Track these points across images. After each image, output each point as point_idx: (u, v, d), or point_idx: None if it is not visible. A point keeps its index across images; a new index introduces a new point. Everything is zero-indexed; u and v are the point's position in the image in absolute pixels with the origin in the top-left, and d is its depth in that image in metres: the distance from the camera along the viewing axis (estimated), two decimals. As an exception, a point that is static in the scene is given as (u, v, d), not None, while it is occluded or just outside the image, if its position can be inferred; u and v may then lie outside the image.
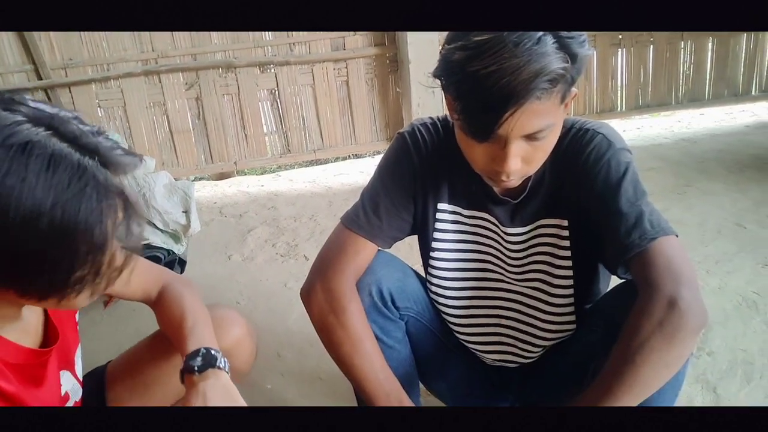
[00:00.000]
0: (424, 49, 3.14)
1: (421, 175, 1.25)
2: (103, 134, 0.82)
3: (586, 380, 1.17)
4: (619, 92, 3.84)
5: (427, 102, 3.20)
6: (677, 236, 1.09)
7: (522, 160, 1.05)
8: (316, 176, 3.54)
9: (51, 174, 0.76)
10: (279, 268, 2.64)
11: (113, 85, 3.18)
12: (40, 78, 3.07)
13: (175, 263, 2.50)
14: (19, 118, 0.77)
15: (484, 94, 0.96)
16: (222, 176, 3.70)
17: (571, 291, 1.24)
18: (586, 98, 3.76)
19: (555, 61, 0.96)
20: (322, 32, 3.29)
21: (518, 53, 0.93)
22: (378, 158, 3.61)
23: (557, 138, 1.09)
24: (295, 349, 2.09)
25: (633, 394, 1.01)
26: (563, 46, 0.97)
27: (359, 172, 3.56)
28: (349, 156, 3.72)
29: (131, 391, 1.29)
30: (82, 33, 3.09)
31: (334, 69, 3.34)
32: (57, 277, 0.81)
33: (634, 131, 3.81)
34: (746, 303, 2.10)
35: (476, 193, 1.24)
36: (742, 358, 1.73)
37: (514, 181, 1.09)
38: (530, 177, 1.19)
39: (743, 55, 3.83)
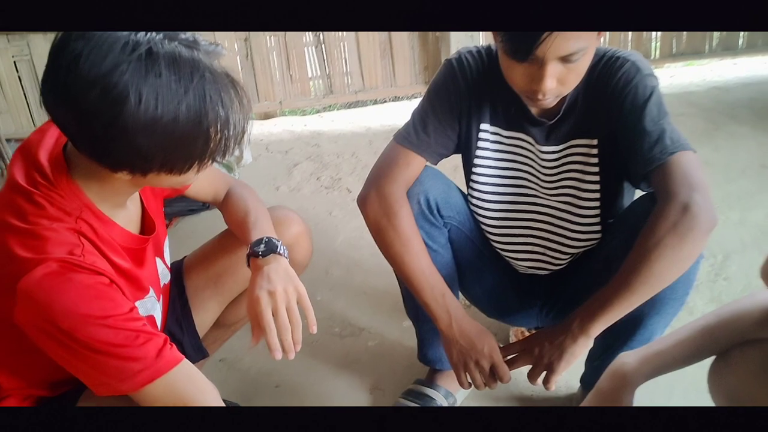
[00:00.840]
0: (464, -6, 3.25)
1: (465, 98, 1.42)
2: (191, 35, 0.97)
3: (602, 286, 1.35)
4: (653, 40, 3.90)
5: (467, 45, 3.31)
6: (695, 152, 1.24)
7: (557, 81, 1.21)
8: (356, 117, 3.71)
9: (177, 70, 0.91)
10: (324, 198, 2.83)
11: None
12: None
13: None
14: (135, 33, 0.91)
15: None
16: (267, 116, 3.88)
17: (597, 204, 1.41)
18: (621, 45, 3.83)
19: None
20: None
21: None
22: (417, 101, 3.75)
23: (589, 62, 1.25)
24: (342, 267, 2.30)
25: (648, 286, 1.18)
26: None
27: (398, 114, 3.71)
28: (388, 99, 3.86)
29: (206, 279, 1.48)
30: None
31: (376, 12, 3.48)
32: (192, 152, 0.98)
33: (667, 79, 3.88)
34: (764, 235, 2.25)
35: (515, 114, 1.40)
36: (756, 284, 1.88)
37: (550, 100, 1.25)
38: (564, 99, 1.35)
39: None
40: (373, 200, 1.40)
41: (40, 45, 3.26)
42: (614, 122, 1.30)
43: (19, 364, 1.14)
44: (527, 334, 1.79)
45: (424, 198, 1.42)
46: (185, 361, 1.06)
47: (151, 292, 1.19)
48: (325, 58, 3.51)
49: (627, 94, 1.28)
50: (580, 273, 1.52)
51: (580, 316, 1.28)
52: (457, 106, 1.41)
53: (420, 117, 1.43)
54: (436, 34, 3.51)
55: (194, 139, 0.96)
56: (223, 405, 1.10)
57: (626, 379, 1.03)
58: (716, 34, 3.82)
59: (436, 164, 1.47)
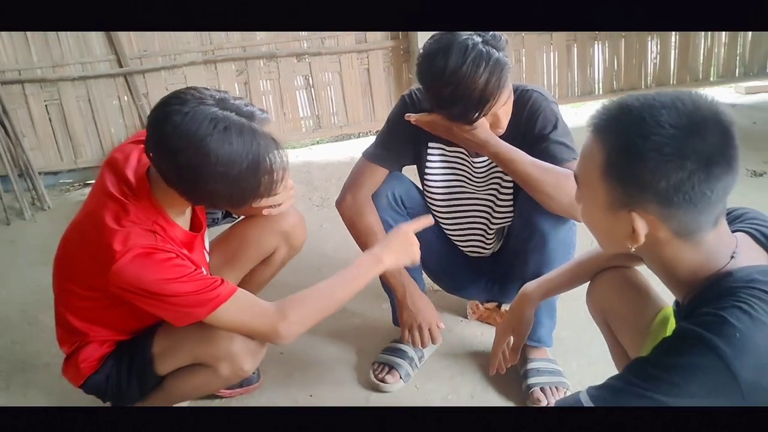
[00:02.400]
0: (431, 42, 3.79)
1: (413, 131, 1.82)
2: (242, 101, 1.41)
3: (526, 261, 1.81)
4: (596, 78, 4.46)
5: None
6: None
7: (493, 126, 1.68)
8: (342, 148, 4.20)
9: (241, 138, 1.33)
10: (315, 214, 3.26)
11: (179, 72, 3.83)
12: (120, 66, 3.71)
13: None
14: (213, 108, 1.32)
15: (461, 107, 1.57)
16: (263, 149, 4.32)
17: (511, 196, 1.87)
18: (569, 84, 4.38)
19: (504, 69, 1.54)
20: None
21: (477, 77, 1.51)
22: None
23: (512, 98, 1.69)
24: (332, 266, 2.68)
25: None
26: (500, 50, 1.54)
27: (378, 144, 4.21)
28: (369, 132, 4.36)
29: (224, 258, 1.90)
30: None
31: (357, 59, 4.02)
32: (248, 194, 1.42)
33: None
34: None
35: None
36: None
37: None
38: None
39: (702, 45, 4.42)
40: (346, 202, 1.90)
41: (68, 91, 3.70)
42: (528, 138, 1.75)
43: (107, 316, 1.58)
44: (481, 306, 2.24)
45: (391, 193, 1.90)
46: (241, 289, 1.49)
47: (203, 269, 1.57)
48: (314, 96, 4.03)
49: (538, 117, 1.73)
50: (507, 252, 2.01)
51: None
52: (410, 131, 1.83)
53: (381, 138, 1.92)
54: (410, 75, 4.05)
55: (251, 186, 1.40)
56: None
57: (527, 297, 1.48)
58: (650, 71, 4.38)
59: (399, 170, 1.94)
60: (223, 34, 3.81)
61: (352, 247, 2.91)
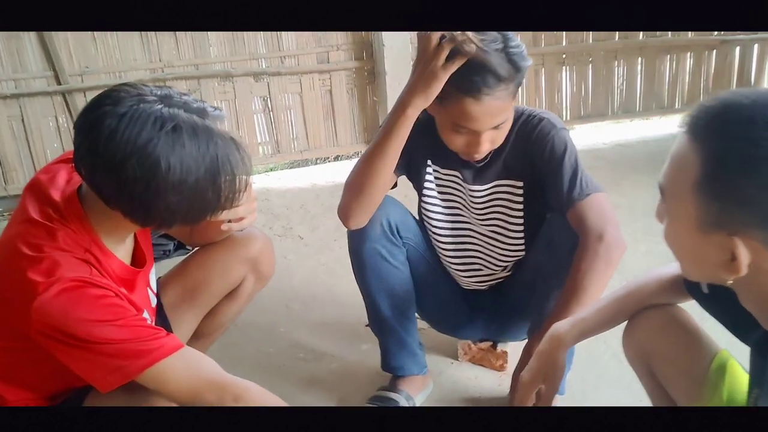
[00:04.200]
0: (399, 62, 3.63)
1: (414, 140, 1.61)
2: (190, 96, 1.17)
3: (535, 296, 1.63)
4: (564, 104, 4.38)
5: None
6: (605, 192, 1.54)
7: (489, 143, 1.50)
8: (301, 175, 3.97)
9: (197, 139, 1.10)
10: (278, 244, 3.02)
11: None
12: (59, 83, 3.42)
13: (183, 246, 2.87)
14: (157, 106, 1.09)
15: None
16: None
17: (522, 231, 1.69)
18: (537, 107, 4.28)
19: (506, 72, 1.40)
20: (309, 48, 3.73)
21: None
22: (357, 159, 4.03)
23: (511, 121, 1.53)
24: (301, 302, 2.51)
25: (582, 304, 1.44)
26: (510, 60, 1.41)
27: (341, 171, 4.01)
28: (331, 158, 4.15)
29: (181, 294, 1.64)
30: (97, 43, 3.45)
31: (319, 80, 3.80)
32: (208, 205, 1.17)
33: (578, 138, 4.34)
34: (668, 261, 2.61)
35: (451, 155, 1.64)
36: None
37: (482, 156, 1.54)
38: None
39: (667, 73, 4.40)
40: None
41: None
42: (536, 167, 1.58)
43: (25, 375, 1.27)
44: (474, 347, 2.04)
45: (386, 220, 1.66)
46: (190, 347, 1.22)
47: (146, 313, 1.34)
48: (272, 119, 3.78)
49: (546, 144, 1.55)
50: (513, 286, 1.80)
51: (531, 344, 1.54)
52: (407, 147, 1.61)
53: None
54: (374, 98, 3.86)
55: (210, 195, 1.15)
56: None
57: (560, 340, 1.29)
58: (617, 97, 4.34)
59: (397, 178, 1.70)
60: (173, 50, 3.55)
61: (321, 281, 2.75)
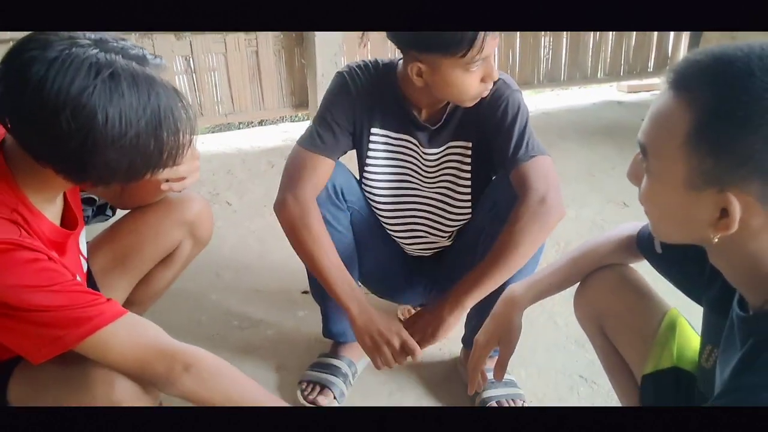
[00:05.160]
0: (329, 24, 3.52)
1: (358, 104, 1.58)
2: (128, 41, 1.05)
3: (476, 260, 1.61)
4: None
5: (331, 72, 3.51)
6: (550, 156, 1.53)
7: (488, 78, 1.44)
8: (227, 139, 3.82)
9: (137, 89, 1.00)
10: (206, 211, 2.93)
11: None
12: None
13: (107, 206, 2.72)
14: (92, 51, 0.97)
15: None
16: (134, 138, 3.85)
17: (469, 193, 1.66)
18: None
19: None
20: (234, 6, 3.56)
21: None
22: (284, 125, 3.93)
23: None
24: (232, 270, 2.43)
25: (512, 265, 1.43)
26: None
27: (268, 136, 3.89)
28: (258, 122, 4.01)
29: (112, 260, 1.54)
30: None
31: (245, 40, 3.61)
32: (150, 161, 1.06)
33: (503, 107, 4.40)
34: (595, 226, 2.68)
35: (404, 120, 1.60)
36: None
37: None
38: (446, 109, 1.57)
39: (591, 44, 4.48)
40: (288, 204, 1.52)
41: None
42: (487, 128, 1.55)
43: None
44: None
45: (331, 184, 1.60)
46: (132, 314, 1.14)
47: (77, 278, 1.23)
48: (195, 80, 3.59)
49: (499, 105, 1.52)
50: (455, 251, 1.78)
51: (455, 291, 1.50)
52: (351, 111, 1.58)
53: (320, 123, 1.58)
54: (303, 60, 3.74)
55: (152, 150, 1.05)
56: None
57: (515, 302, 1.28)
58: (543, 67, 4.39)
59: (336, 160, 1.63)
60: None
61: (252, 248, 2.66)
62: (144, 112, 1.00)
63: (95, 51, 0.97)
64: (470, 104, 1.50)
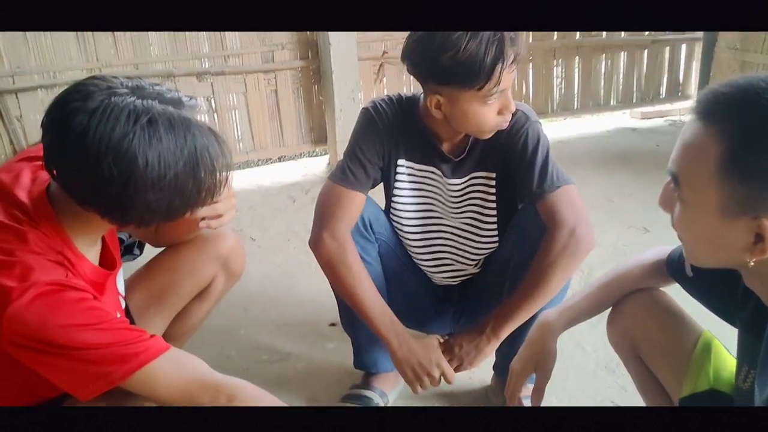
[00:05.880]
0: (345, 61, 3.60)
1: (385, 137, 1.62)
2: (163, 86, 1.10)
3: (505, 289, 1.64)
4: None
5: (349, 107, 3.64)
6: (575, 185, 1.56)
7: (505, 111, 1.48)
8: (247, 176, 3.88)
9: (174, 132, 1.04)
10: (231, 247, 2.97)
11: (59, 91, 3.28)
12: (-13, 84, 3.22)
13: (134, 246, 2.76)
14: (129, 99, 1.02)
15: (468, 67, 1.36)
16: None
17: (495, 222, 1.69)
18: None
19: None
20: (254, 47, 3.65)
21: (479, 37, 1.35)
22: (303, 160, 3.98)
23: None
24: (259, 304, 2.45)
25: (545, 296, 1.47)
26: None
27: (287, 171, 3.95)
28: (277, 159, 4.08)
29: (148, 297, 1.58)
30: (29, 42, 3.26)
31: (264, 79, 3.71)
32: (189, 200, 1.11)
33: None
34: (617, 252, 2.69)
35: (427, 151, 1.64)
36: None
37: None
38: (468, 140, 1.61)
39: (603, 72, 4.53)
40: (325, 241, 1.56)
41: None
42: (509, 160, 1.58)
43: None
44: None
45: (360, 217, 1.63)
46: (176, 348, 1.17)
47: (118, 315, 1.26)
48: (216, 119, 3.67)
49: (520, 136, 1.55)
50: (483, 280, 1.80)
51: (491, 321, 1.54)
52: (380, 145, 1.62)
53: (351, 159, 1.62)
54: (321, 97, 3.82)
55: (191, 189, 1.09)
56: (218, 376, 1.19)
57: (550, 328, 1.30)
58: (556, 96, 4.44)
59: (367, 194, 1.67)
60: (111, 48, 3.40)
61: (278, 282, 2.69)
62: (182, 154, 1.05)
63: (133, 99, 1.03)
64: (488, 136, 1.54)
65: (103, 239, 1.30)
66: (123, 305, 1.42)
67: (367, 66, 3.89)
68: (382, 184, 1.74)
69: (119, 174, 1.01)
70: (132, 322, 1.50)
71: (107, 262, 1.30)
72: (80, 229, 1.15)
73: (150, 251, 1.66)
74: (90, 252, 1.22)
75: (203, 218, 1.40)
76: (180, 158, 1.05)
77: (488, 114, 1.46)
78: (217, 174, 1.12)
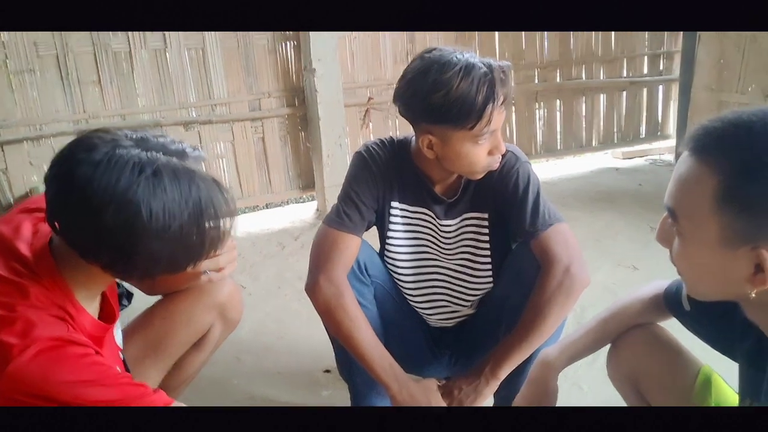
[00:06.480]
0: (332, 108, 3.65)
1: (379, 180, 1.63)
2: (167, 137, 1.10)
3: (501, 330, 1.64)
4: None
5: (336, 153, 3.67)
6: (566, 222, 1.58)
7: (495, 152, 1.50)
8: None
9: (178, 184, 1.03)
10: (220, 296, 2.95)
11: (45, 144, 3.34)
12: (-28, 137, 3.20)
13: (123, 296, 2.74)
14: (134, 151, 1.03)
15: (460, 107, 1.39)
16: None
17: (489, 262, 1.70)
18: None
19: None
20: (240, 95, 3.68)
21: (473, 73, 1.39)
22: (291, 206, 3.98)
23: None
24: (252, 353, 2.42)
25: (542, 335, 1.47)
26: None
27: (274, 218, 3.95)
28: (265, 206, 4.08)
29: (144, 348, 1.55)
30: (15, 94, 3.25)
31: (251, 127, 3.73)
32: (192, 251, 1.10)
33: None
34: (607, 291, 2.71)
35: (420, 194, 1.66)
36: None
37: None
38: (461, 182, 1.63)
39: (583, 114, 4.62)
40: (321, 286, 1.55)
41: None
42: (501, 200, 1.60)
43: None
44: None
45: (355, 261, 1.63)
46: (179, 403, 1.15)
47: (118, 369, 1.25)
48: (204, 167, 3.65)
49: (511, 176, 1.57)
50: (478, 321, 1.80)
51: (489, 363, 1.53)
52: (374, 188, 1.64)
53: (345, 202, 1.63)
54: (308, 144, 3.85)
55: (194, 241, 1.09)
56: None
57: (551, 366, 1.30)
58: (539, 138, 4.51)
59: (362, 237, 1.67)
60: (98, 100, 3.41)
61: (270, 330, 2.67)
62: (186, 205, 1.04)
63: (137, 151, 1.03)
64: (479, 176, 1.56)
65: (103, 294, 1.29)
66: (122, 358, 1.40)
67: (353, 112, 3.93)
68: (375, 227, 1.75)
69: (123, 224, 1.00)
70: (128, 372, 1.48)
71: (106, 315, 1.29)
72: (83, 281, 1.14)
73: (142, 298, 1.64)
74: (90, 305, 1.20)
75: (204, 271, 1.39)
76: (185, 209, 1.04)
77: (479, 154, 1.48)
78: (221, 224, 1.12)
